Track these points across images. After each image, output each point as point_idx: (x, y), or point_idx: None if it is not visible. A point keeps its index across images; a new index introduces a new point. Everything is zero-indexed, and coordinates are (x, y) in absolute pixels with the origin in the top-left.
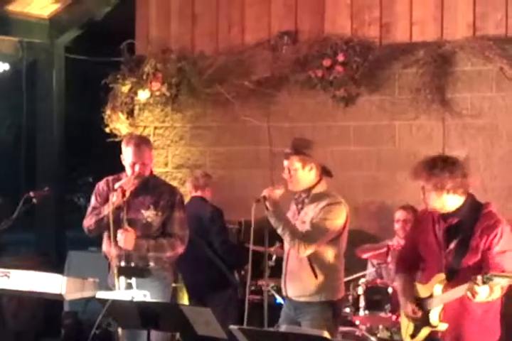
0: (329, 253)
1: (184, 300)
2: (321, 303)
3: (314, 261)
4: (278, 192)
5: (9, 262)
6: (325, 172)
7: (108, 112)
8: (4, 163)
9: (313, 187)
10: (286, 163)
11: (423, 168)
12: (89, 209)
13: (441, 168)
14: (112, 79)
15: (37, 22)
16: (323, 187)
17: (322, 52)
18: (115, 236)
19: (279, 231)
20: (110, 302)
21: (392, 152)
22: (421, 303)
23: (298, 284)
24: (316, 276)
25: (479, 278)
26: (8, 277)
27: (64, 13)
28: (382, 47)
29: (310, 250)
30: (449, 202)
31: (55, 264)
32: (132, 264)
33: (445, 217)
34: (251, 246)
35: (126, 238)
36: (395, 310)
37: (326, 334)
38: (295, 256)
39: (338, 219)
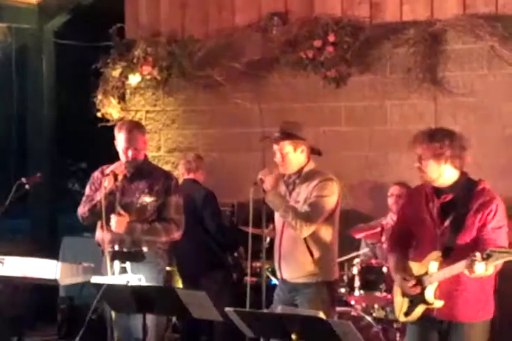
0: (324, 232)
1: (179, 283)
2: (317, 284)
3: (310, 240)
4: (274, 174)
5: (3, 248)
6: (314, 151)
7: (99, 97)
8: None
9: (303, 167)
10: (276, 147)
11: (423, 136)
12: (84, 197)
13: (441, 136)
14: (103, 64)
15: (25, 7)
16: (312, 166)
17: (312, 32)
18: (108, 221)
19: (280, 212)
20: (105, 287)
21: (384, 132)
22: (416, 281)
23: (294, 265)
24: (312, 256)
25: (478, 254)
26: (3, 263)
27: None
28: (372, 27)
29: (312, 229)
30: (446, 172)
31: (49, 250)
32: (125, 249)
33: (439, 193)
34: (250, 229)
35: (118, 221)
36: (390, 289)
37: (322, 315)
38: (290, 237)
39: (333, 195)
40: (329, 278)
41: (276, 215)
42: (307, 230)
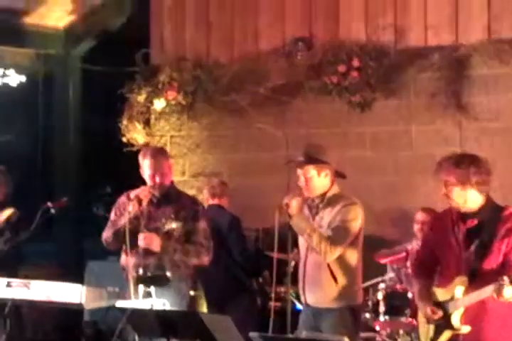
0: (348, 257)
1: (203, 308)
2: (341, 309)
3: (334, 265)
4: (299, 199)
5: (29, 272)
6: (338, 174)
7: (124, 122)
8: (22, 175)
9: (327, 191)
10: (299, 171)
11: (449, 162)
12: (109, 223)
13: (467, 162)
14: (128, 89)
15: (52, 33)
16: (336, 190)
17: (337, 57)
18: (132, 246)
19: (305, 237)
20: (130, 311)
21: (409, 157)
22: (441, 307)
23: (318, 290)
24: (336, 281)
25: (506, 278)
26: (28, 287)
27: (79, 24)
28: (397, 52)
29: (337, 254)
30: (472, 198)
31: (74, 274)
32: (149, 274)
33: (465, 218)
34: (275, 254)
35: (147, 237)
36: (415, 314)
37: (347, 340)
38: (314, 261)
39: (356, 219)
40: (353, 303)
41: (301, 240)
42: (331, 255)
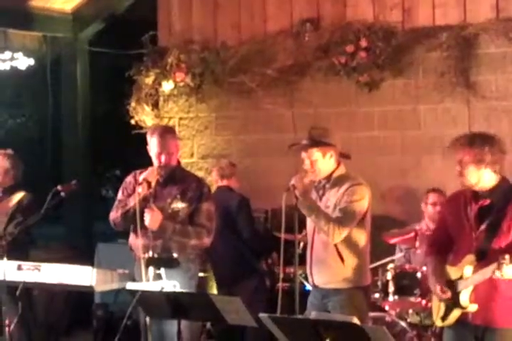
0: (355, 237)
1: (213, 289)
2: (349, 290)
3: (341, 246)
4: (306, 180)
5: (39, 256)
6: (343, 155)
7: (133, 104)
8: (31, 158)
9: (333, 172)
10: (304, 154)
11: (464, 140)
12: (116, 202)
13: (481, 141)
14: (136, 71)
15: (60, 16)
16: (342, 170)
17: (345, 38)
18: (141, 227)
19: (312, 218)
20: (140, 293)
21: (417, 136)
22: (451, 285)
23: (325, 271)
24: (343, 262)
25: (507, 257)
26: (39, 270)
27: (86, 7)
28: (404, 32)
29: (344, 235)
30: (485, 177)
31: (84, 257)
32: (156, 255)
33: (477, 198)
34: (283, 235)
35: (152, 217)
36: (425, 294)
37: (356, 321)
38: (321, 242)
39: (363, 199)
40: (361, 283)
41: (308, 221)
42: (339, 236)
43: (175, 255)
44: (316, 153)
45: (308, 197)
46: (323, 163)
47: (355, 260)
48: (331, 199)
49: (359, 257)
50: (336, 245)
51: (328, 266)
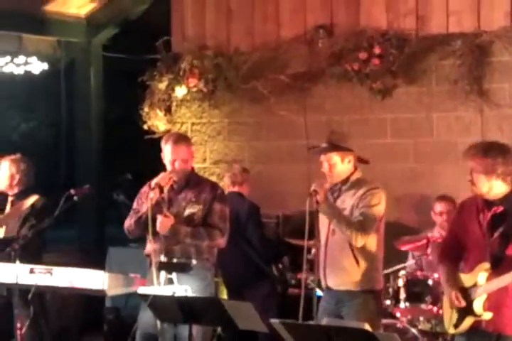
0: (370, 241)
1: (224, 294)
2: (363, 293)
3: (356, 249)
4: (326, 185)
5: (51, 259)
6: (361, 160)
7: (146, 109)
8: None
9: (350, 175)
10: (323, 157)
11: (477, 149)
12: (131, 212)
13: (495, 152)
14: (149, 77)
15: (74, 21)
16: (359, 175)
17: (358, 45)
18: (154, 232)
19: (333, 222)
20: (152, 298)
21: (430, 144)
22: (465, 293)
23: (340, 272)
24: (358, 264)
25: None
26: (51, 274)
27: (100, 12)
28: (418, 39)
29: (366, 238)
30: (496, 187)
31: (95, 261)
32: (175, 260)
33: (489, 205)
34: (306, 241)
35: (162, 222)
36: (436, 301)
37: (368, 327)
38: (336, 245)
39: (381, 204)
40: (374, 287)
41: (321, 224)
42: (362, 240)
43: (194, 261)
44: (335, 157)
45: (330, 201)
46: (341, 167)
47: (369, 263)
48: (347, 201)
49: (373, 261)
50: (351, 247)
51: (342, 268)
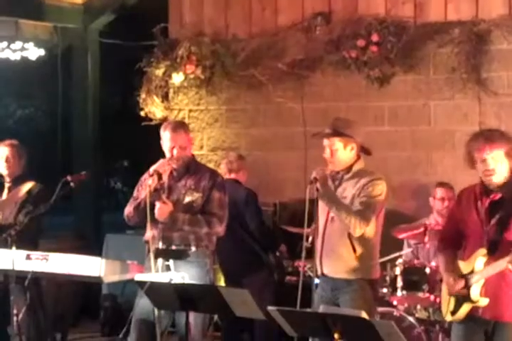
0: (368, 230)
1: (221, 281)
2: (359, 281)
3: (354, 237)
4: (327, 172)
5: (48, 245)
6: (363, 150)
7: (143, 96)
8: (41, 148)
9: (352, 164)
10: (326, 142)
11: (491, 135)
12: (131, 200)
13: (498, 136)
14: (146, 63)
15: (71, 7)
16: (361, 165)
17: (356, 32)
18: (152, 219)
19: (333, 210)
20: (148, 285)
21: (427, 132)
22: (463, 279)
23: (336, 260)
24: (355, 252)
25: None
26: (47, 260)
27: None
28: (416, 27)
29: (364, 228)
30: (505, 168)
31: (92, 247)
32: (173, 247)
33: (488, 193)
34: (305, 229)
35: (160, 208)
36: (433, 290)
37: (365, 315)
38: (334, 232)
39: (382, 195)
40: (370, 276)
41: (320, 211)
42: (360, 229)
43: (193, 248)
44: (337, 143)
45: (330, 189)
46: (343, 153)
47: (366, 252)
48: (348, 190)
49: (370, 250)
50: (349, 236)
51: (339, 256)
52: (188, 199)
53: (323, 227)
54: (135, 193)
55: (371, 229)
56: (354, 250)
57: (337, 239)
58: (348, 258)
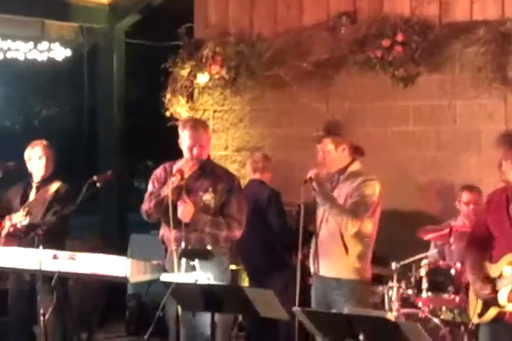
0: (362, 230)
1: (245, 282)
2: (350, 282)
3: (347, 237)
4: (323, 172)
5: (74, 245)
6: (357, 151)
7: (168, 96)
8: (66, 148)
9: (347, 166)
10: (319, 146)
11: (508, 137)
12: (147, 195)
13: None
14: (172, 63)
15: (97, 7)
16: (357, 166)
17: (381, 32)
18: (174, 219)
19: (326, 208)
20: (174, 285)
21: (453, 131)
22: (491, 283)
23: (329, 260)
24: (347, 252)
25: None
26: (75, 260)
27: None
28: (442, 26)
29: (357, 226)
30: None
31: (117, 247)
32: (189, 247)
33: None
34: (300, 228)
35: (184, 209)
36: (458, 291)
37: (390, 316)
38: (327, 232)
39: (375, 195)
40: (363, 275)
41: (318, 211)
42: (352, 227)
43: (209, 247)
44: (328, 145)
45: (325, 187)
46: (335, 155)
47: (359, 252)
48: (343, 190)
49: (363, 249)
50: (342, 235)
51: (332, 255)
52: (204, 200)
53: (319, 227)
54: (150, 189)
55: (365, 230)
56: (346, 251)
57: (329, 239)
58: (340, 257)
